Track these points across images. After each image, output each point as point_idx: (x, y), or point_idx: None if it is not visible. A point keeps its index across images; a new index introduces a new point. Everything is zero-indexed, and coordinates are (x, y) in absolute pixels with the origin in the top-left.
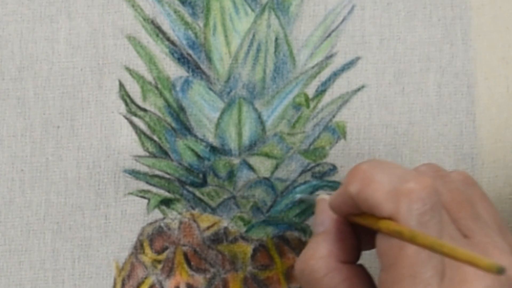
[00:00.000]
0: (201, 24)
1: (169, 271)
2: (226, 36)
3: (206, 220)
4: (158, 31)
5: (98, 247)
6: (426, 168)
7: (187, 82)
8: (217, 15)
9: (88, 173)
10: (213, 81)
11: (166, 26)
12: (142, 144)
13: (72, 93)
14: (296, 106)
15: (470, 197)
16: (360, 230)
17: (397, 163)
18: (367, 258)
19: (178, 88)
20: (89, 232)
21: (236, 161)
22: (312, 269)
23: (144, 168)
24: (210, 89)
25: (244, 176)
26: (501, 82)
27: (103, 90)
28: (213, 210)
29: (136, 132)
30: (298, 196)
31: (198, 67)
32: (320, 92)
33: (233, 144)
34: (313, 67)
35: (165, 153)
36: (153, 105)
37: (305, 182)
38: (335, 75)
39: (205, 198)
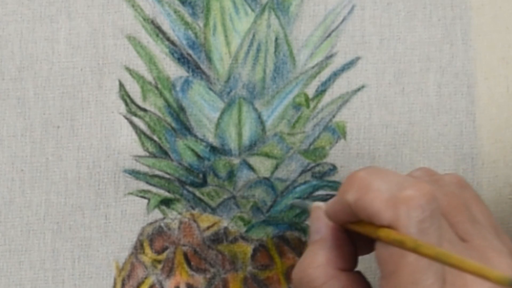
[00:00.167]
0: (201, 24)
1: (169, 271)
2: (226, 36)
3: (206, 220)
4: (158, 31)
5: (98, 247)
6: (421, 173)
7: (187, 82)
8: (217, 15)
9: (88, 173)
10: (213, 81)
11: (166, 26)
12: (142, 144)
13: (72, 93)
14: (296, 106)
15: (465, 200)
16: (355, 236)
17: (396, 164)
18: (365, 264)
19: (178, 88)
20: (89, 232)
21: (236, 161)
22: (311, 278)
23: (144, 168)
24: (210, 89)
25: (244, 176)
26: (501, 82)
27: (103, 90)
28: (213, 210)
29: (136, 132)
30: (290, 202)
31: (198, 67)
32: (320, 92)
33: (233, 144)
34: (313, 67)
35: (165, 153)
36: (153, 105)
37: (305, 182)
38: (335, 75)
39: (205, 198)
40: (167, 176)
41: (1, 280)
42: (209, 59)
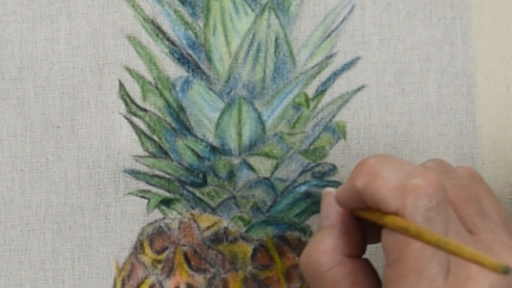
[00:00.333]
0: (201, 24)
1: (169, 271)
2: (226, 36)
3: (206, 220)
4: (158, 31)
5: (98, 247)
6: (433, 164)
7: (187, 82)
8: (217, 15)
9: (88, 173)
10: (213, 81)
11: (166, 26)
12: (142, 144)
13: (72, 93)
14: (296, 106)
15: (476, 193)
16: (365, 224)
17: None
18: (373, 252)
19: (178, 88)
20: (89, 232)
21: (236, 161)
22: (316, 263)
23: (144, 168)
24: (210, 89)
25: (244, 176)
26: (501, 82)
27: (103, 90)
28: (213, 210)
29: (136, 132)
30: (304, 188)
31: (198, 67)
32: (320, 92)
33: (233, 144)
34: (313, 67)
35: (165, 153)
36: (153, 105)
37: (305, 182)
38: (335, 75)
39: (205, 198)
40: (167, 176)
41: (1, 280)
42: (209, 59)
